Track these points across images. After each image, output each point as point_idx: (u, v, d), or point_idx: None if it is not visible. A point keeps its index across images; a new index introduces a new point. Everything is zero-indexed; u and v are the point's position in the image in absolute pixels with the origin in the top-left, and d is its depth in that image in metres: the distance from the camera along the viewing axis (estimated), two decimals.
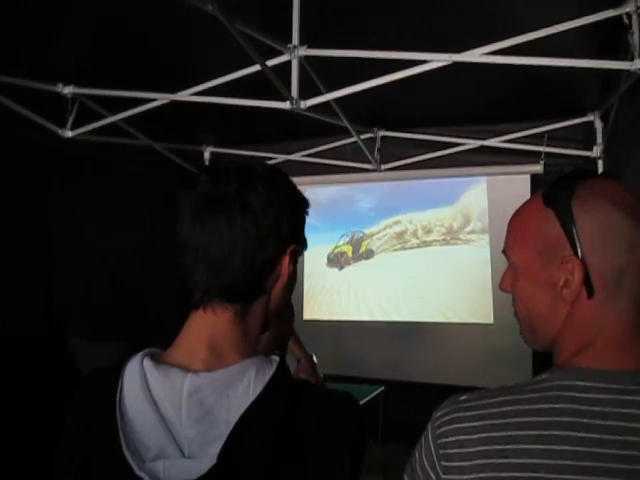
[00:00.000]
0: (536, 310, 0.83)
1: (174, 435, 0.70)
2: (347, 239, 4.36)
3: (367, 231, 4.30)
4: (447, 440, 0.75)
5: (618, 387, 0.72)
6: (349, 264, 4.34)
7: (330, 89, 2.43)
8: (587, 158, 3.23)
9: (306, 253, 0.87)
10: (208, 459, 0.68)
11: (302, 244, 0.85)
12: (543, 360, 0.86)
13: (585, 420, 0.70)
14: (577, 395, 0.72)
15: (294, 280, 0.85)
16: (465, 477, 0.72)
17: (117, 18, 2.17)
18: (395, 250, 4.30)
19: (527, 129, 3.33)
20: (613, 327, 0.76)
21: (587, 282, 0.75)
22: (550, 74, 2.25)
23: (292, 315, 1.05)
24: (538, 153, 3.28)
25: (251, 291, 0.79)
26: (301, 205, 0.84)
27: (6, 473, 2.45)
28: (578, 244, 0.75)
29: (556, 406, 0.72)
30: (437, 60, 2.16)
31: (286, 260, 0.80)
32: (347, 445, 0.73)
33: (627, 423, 0.69)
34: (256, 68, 2.29)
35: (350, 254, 4.35)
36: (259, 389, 0.71)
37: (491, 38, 2.05)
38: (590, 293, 0.75)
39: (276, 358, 0.76)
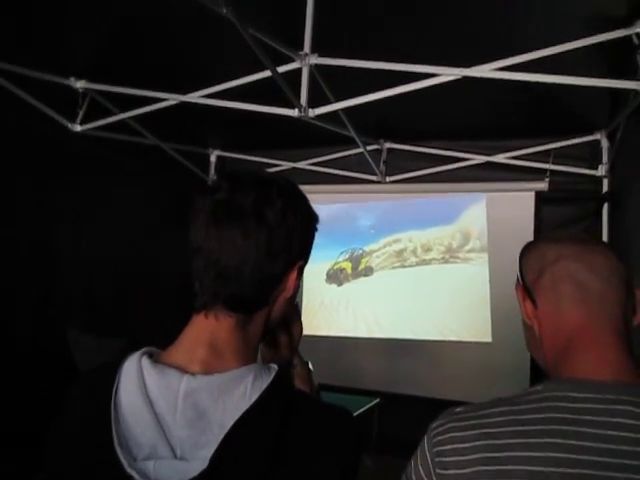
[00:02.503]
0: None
1: (167, 435, 0.70)
2: (347, 256, 4.39)
3: (367, 248, 4.32)
4: (443, 448, 0.77)
5: (609, 397, 0.74)
6: (348, 281, 4.35)
7: (339, 99, 2.44)
8: (592, 177, 3.23)
9: (306, 269, 0.86)
10: (199, 462, 0.67)
11: (307, 259, 0.85)
12: (541, 377, 0.87)
13: (578, 429, 0.72)
14: (570, 405, 0.74)
15: (296, 293, 0.86)
16: None
17: (133, 17, 2.18)
18: (394, 268, 4.31)
19: (533, 146, 3.34)
20: (581, 330, 0.82)
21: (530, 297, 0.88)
22: (558, 92, 2.26)
23: (299, 319, 1.04)
24: (544, 170, 3.29)
25: (256, 302, 0.79)
26: (313, 222, 0.85)
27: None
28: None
29: (550, 415, 0.74)
30: (447, 74, 2.17)
31: (293, 275, 0.80)
32: (341, 458, 0.73)
33: (618, 432, 0.71)
34: (266, 74, 2.30)
35: (349, 271, 4.36)
36: (255, 396, 0.71)
37: (501, 54, 2.07)
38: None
39: (274, 366, 0.76)
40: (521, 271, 0.91)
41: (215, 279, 0.76)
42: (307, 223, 0.83)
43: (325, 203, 3.59)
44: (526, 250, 0.93)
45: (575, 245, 0.89)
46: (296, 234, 0.79)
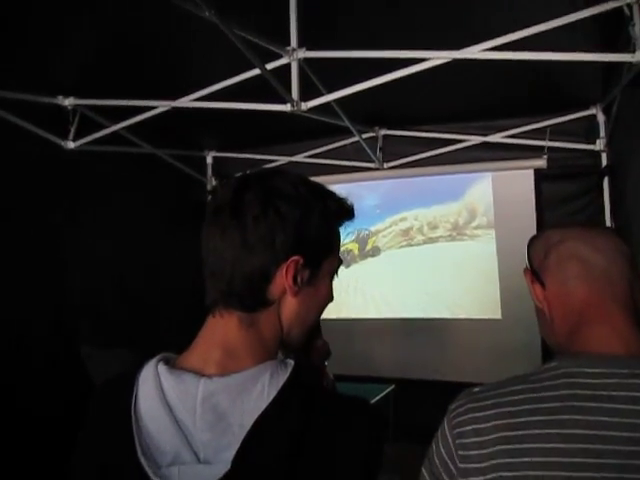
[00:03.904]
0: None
1: (189, 440, 0.70)
2: (353, 237, 4.35)
3: (373, 228, 4.29)
4: (463, 430, 0.78)
5: (624, 372, 0.74)
6: (356, 262, 4.34)
7: (330, 90, 2.43)
8: (590, 151, 3.22)
9: None
10: (222, 464, 0.67)
11: (316, 256, 0.80)
12: (553, 353, 0.88)
13: (592, 404, 0.73)
14: (585, 381, 0.75)
15: (319, 293, 0.82)
16: (482, 464, 0.75)
17: (115, 27, 2.17)
18: (401, 247, 4.29)
19: (529, 124, 3.32)
20: (589, 306, 0.83)
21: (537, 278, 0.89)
22: (551, 68, 2.25)
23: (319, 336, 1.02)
24: (541, 148, 3.27)
25: (249, 299, 0.77)
26: (314, 217, 0.79)
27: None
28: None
29: (565, 392, 0.75)
30: (437, 57, 2.16)
31: (284, 271, 0.76)
32: (363, 452, 0.72)
33: (634, 406, 0.72)
34: (256, 72, 2.29)
35: (356, 252, 4.34)
36: (273, 394, 0.71)
37: (491, 34, 2.05)
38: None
39: (291, 362, 0.76)
40: (529, 259, 0.94)
41: (211, 278, 0.78)
42: (303, 218, 0.77)
43: (328, 184, 3.56)
44: (532, 239, 0.97)
45: (578, 228, 0.90)
46: (280, 229, 0.75)
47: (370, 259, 4.35)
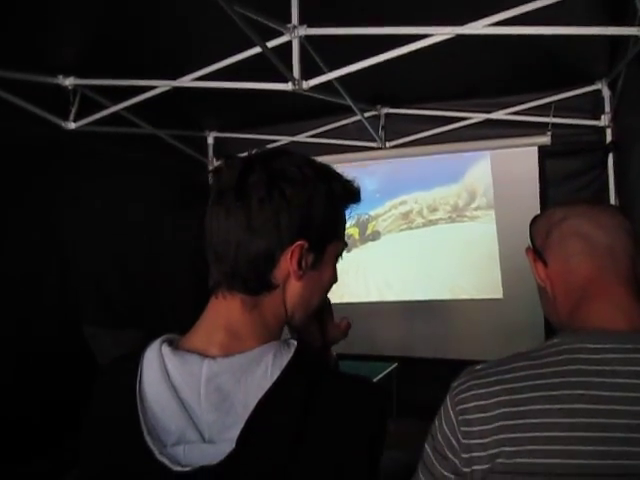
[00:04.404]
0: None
1: (194, 420, 0.71)
2: (353, 221, 4.35)
3: (373, 213, 4.30)
4: (466, 406, 0.78)
5: (627, 347, 0.75)
6: (356, 246, 4.35)
7: (332, 68, 2.41)
8: (595, 127, 3.19)
9: None
10: (227, 444, 0.68)
11: (321, 240, 0.79)
12: (555, 330, 0.88)
13: (596, 379, 0.73)
14: (588, 357, 0.75)
15: (323, 277, 0.81)
16: (485, 440, 0.76)
17: (115, 5, 2.14)
18: (401, 230, 4.30)
19: (533, 100, 3.28)
20: (591, 283, 0.83)
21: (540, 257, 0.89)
22: (556, 43, 2.21)
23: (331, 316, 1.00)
24: (545, 124, 3.24)
25: (254, 282, 0.76)
26: (319, 200, 0.77)
27: (31, 460, 2.51)
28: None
29: (568, 368, 0.75)
30: (440, 34, 2.13)
31: (289, 255, 0.76)
32: (367, 430, 0.73)
33: (637, 380, 0.72)
34: (257, 50, 2.27)
35: (357, 236, 4.35)
36: (277, 374, 0.71)
37: (494, 9, 2.02)
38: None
39: (294, 342, 0.76)
40: (531, 238, 0.93)
41: (214, 260, 0.77)
42: (308, 201, 0.76)
43: (330, 164, 3.55)
44: (535, 218, 0.96)
45: (581, 205, 0.90)
46: (285, 212, 0.74)
47: (370, 243, 4.36)
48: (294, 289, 0.79)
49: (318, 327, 0.93)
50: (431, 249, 4.21)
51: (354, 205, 0.85)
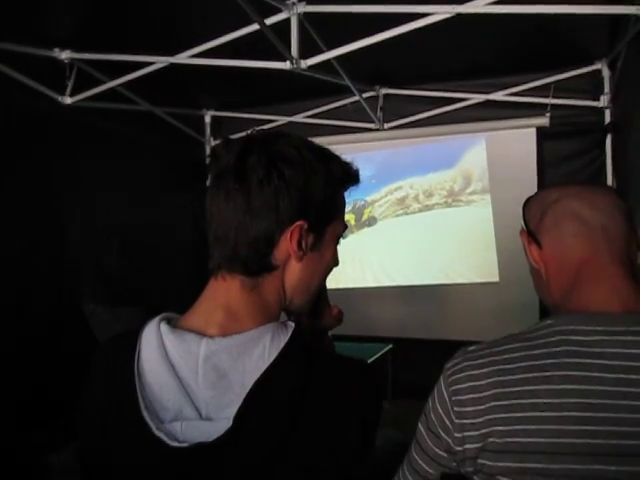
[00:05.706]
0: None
1: (192, 397, 0.72)
2: (349, 208, 4.35)
3: (368, 199, 4.31)
4: (459, 387, 0.79)
5: (620, 329, 0.75)
6: (352, 232, 4.36)
7: (331, 47, 2.38)
8: (594, 108, 3.17)
9: None
10: (225, 421, 0.69)
11: (320, 220, 0.79)
12: (550, 313, 0.88)
13: (588, 361, 0.74)
14: (581, 338, 0.76)
15: (323, 258, 0.82)
16: (478, 420, 0.77)
17: None
18: (397, 216, 4.31)
19: (532, 81, 3.26)
20: (586, 264, 0.83)
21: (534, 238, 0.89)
22: (555, 22, 2.19)
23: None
24: (544, 105, 3.22)
25: (253, 264, 0.77)
26: (318, 181, 0.78)
27: (30, 432, 2.54)
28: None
29: (562, 349, 0.76)
30: (440, 12, 2.10)
31: (288, 235, 0.76)
32: (362, 411, 0.74)
33: (628, 362, 0.73)
34: (255, 27, 2.24)
35: (353, 222, 4.35)
36: (274, 355, 0.72)
37: None
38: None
39: (291, 324, 0.77)
40: (525, 219, 0.92)
41: (215, 242, 0.78)
42: (307, 182, 0.77)
43: (327, 145, 3.54)
44: (528, 200, 0.95)
45: (575, 186, 0.89)
46: (284, 193, 0.75)
47: (367, 229, 4.37)
48: (294, 271, 0.80)
49: (307, 315, 0.93)
50: (427, 234, 4.23)
51: (353, 187, 0.85)
